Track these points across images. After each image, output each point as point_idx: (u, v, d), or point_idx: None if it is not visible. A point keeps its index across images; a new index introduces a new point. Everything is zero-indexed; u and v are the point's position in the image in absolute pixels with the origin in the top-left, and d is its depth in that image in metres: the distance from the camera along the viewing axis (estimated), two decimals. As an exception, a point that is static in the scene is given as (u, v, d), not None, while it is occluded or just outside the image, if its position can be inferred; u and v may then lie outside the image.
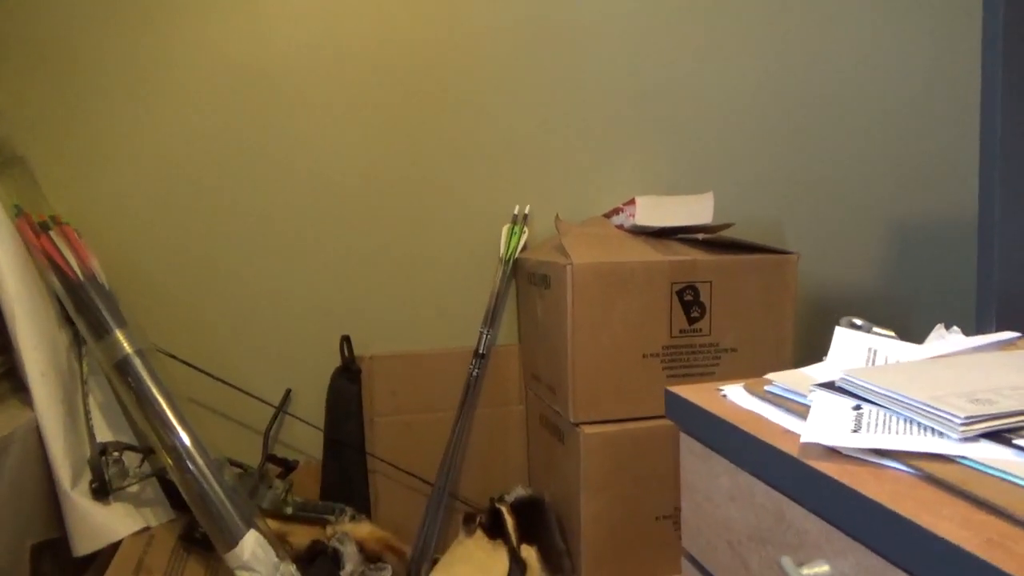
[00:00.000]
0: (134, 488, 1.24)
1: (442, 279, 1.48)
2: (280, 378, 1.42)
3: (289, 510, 1.30)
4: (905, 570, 0.45)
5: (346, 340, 1.42)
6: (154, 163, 1.35)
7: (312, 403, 1.43)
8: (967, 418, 0.49)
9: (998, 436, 0.49)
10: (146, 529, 1.23)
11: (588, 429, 1.18)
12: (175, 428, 1.17)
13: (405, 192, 1.45)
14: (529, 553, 1.23)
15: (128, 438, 1.28)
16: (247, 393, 1.38)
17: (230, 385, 1.37)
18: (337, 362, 1.42)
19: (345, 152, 1.41)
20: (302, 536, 1.27)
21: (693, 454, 0.70)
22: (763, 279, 1.26)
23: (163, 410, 1.18)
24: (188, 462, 1.16)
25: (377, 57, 1.41)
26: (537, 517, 1.29)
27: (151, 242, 1.36)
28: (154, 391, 1.19)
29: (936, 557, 0.41)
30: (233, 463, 1.32)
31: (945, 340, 0.72)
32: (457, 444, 1.42)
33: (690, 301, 1.24)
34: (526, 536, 1.26)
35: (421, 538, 1.35)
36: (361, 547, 1.26)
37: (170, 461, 1.16)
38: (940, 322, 0.80)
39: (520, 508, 1.30)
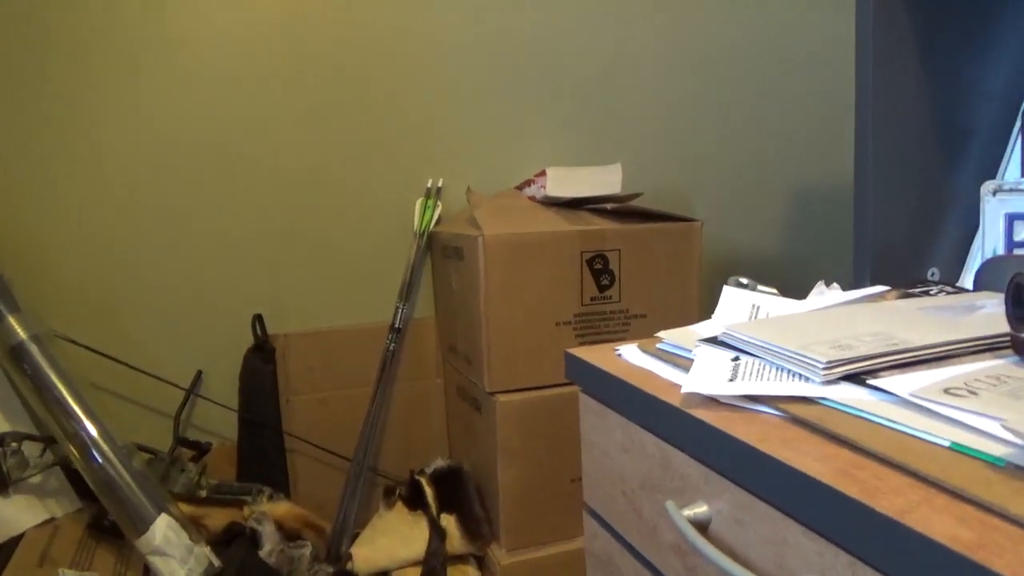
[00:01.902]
0: (36, 479, 1.20)
1: (356, 254, 1.47)
2: (190, 360, 1.39)
3: (203, 493, 1.27)
4: (770, 503, 0.48)
5: (258, 319, 1.39)
6: (49, 141, 1.28)
7: (225, 384, 1.40)
8: (828, 363, 0.52)
9: (856, 378, 0.53)
10: (50, 520, 1.19)
11: (503, 398, 1.20)
12: (77, 415, 1.13)
13: (316, 168, 1.42)
14: (449, 522, 1.25)
15: (27, 427, 1.23)
16: (155, 376, 1.34)
17: (136, 369, 1.33)
18: (250, 341, 1.40)
19: (254, 127, 1.38)
20: (219, 519, 1.25)
21: (591, 412, 0.72)
22: (670, 246, 1.30)
23: (63, 397, 1.14)
24: (93, 450, 1.12)
25: (284, 31, 1.37)
26: (457, 487, 1.30)
27: (46, 223, 1.29)
28: (52, 377, 1.15)
29: (794, 488, 0.44)
30: (142, 448, 1.28)
31: (823, 295, 0.76)
32: (375, 419, 1.42)
33: (600, 269, 1.27)
34: (446, 506, 1.28)
35: (341, 514, 1.35)
36: (280, 526, 1.25)
37: (73, 450, 1.12)
38: (833, 280, 0.84)
39: (440, 479, 1.31)
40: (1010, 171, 0.82)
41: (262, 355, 1.40)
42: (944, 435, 0.44)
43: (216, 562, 1.13)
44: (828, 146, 1.77)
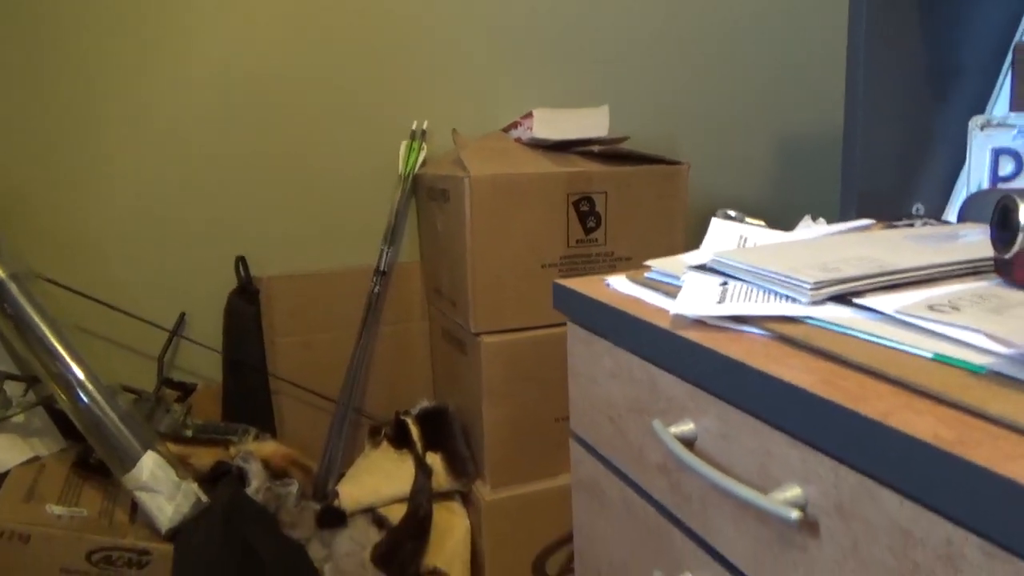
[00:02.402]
0: (19, 418, 1.20)
1: (341, 197, 1.46)
2: (173, 301, 1.38)
3: (189, 433, 1.28)
4: (755, 415, 0.49)
5: (242, 261, 1.38)
6: (31, 83, 1.24)
7: (209, 326, 1.40)
8: (816, 283, 0.53)
9: (842, 298, 0.54)
10: (35, 459, 1.19)
11: (488, 339, 1.21)
12: (61, 356, 1.12)
13: (300, 110, 1.40)
14: (434, 460, 1.26)
15: (9, 368, 1.22)
16: (138, 318, 1.33)
17: (119, 311, 1.32)
18: (233, 283, 1.39)
19: (239, 65, 1.35)
20: (205, 458, 1.26)
21: (579, 340, 0.73)
22: (656, 189, 1.30)
23: (46, 336, 1.13)
24: (78, 390, 1.11)
25: (260, -39, 1.33)
26: (442, 427, 1.32)
27: (26, 164, 1.26)
28: (35, 317, 1.13)
29: (779, 399, 0.45)
30: (127, 389, 1.28)
31: (810, 228, 0.77)
32: (360, 361, 1.42)
33: (586, 212, 1.27)
34: (431, 445, 1.29)
35: (327, 453, 1.37)
36: (266, 465, 1.26)
37: (58, 390, 1.11)
38: (820, 217, 0.85)
39: (425, 419, 1.33)
40: (999, 107, 0.82)
41: (246, 297, 1.39)
42: (927, 347, 0.45)
43: (204, 498, 1.14)
44: (814, 89, 1.76)
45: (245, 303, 1.38)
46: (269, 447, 1.29)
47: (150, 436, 1.15)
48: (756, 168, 1.76)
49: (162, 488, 1.12)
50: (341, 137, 1.43)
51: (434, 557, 1.19)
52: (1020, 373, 0.40)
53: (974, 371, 0.42)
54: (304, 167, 1.42)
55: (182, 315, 1.38)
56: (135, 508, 1.15)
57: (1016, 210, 0.51)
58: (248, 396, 1.39)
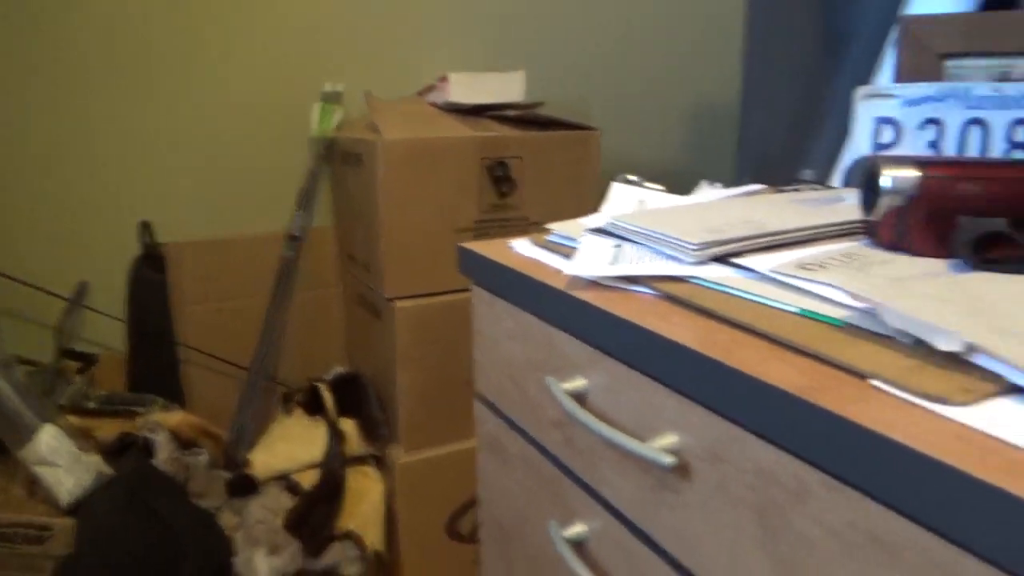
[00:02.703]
0: (-98, 391, 1.13)
1: (251, 160, 1.42)
2: (73, 269, 1.32)
3: (92, 404, 1.24)
4: (640, 371, 0.52)
5: (145, 226, 1.33)
6: None
7: (112, 294, 1.34)
8: (699, 244, 0.55)
9: (724, 259, 0.56)
10: (-79, 435, 1.13)
11: (401, 303, 1.21)
12: (-53, 325, 1.07)
13: (208, 67, 1.35)
14: (347, 425, 1.26)
15: None
16: (36, 287, 1.27)
17: (14, 279, 1.25)
18: (137, 250, 1.34)
19: (138, 23, 1.28)
20: (109, 430, 1.22)
21: (482, 302, 0.74)
22: (569, 154, 1.32)
23: (-71, 304, 1.06)
24: (-33, 361, 1.06)
25: (158, -91, 1.27)
26: (355, 392, 1.32)
27: None
28: (-85, 284, 1.07)
29: (661, 354, 0.47)
30: (23, 361, 1.23)
31: (706, 192, 0.80)
32: (273, 328, 1.40)
33: (500, 176, 1.27)
34: (345, 410, 1.29)
35: (238, 422, 1.35)
36: (175, 435, 1.23)
37: (-57, 359, 1.06)
38: (717, 182, 0.88)
39: (338, 385, 1.32)
40: (883, 78, 0.86)
41: (151, 264, 1.34)
42: (795, 303, 0.48)
43: (107, 470, 1.11)
44: (718, 58, 1.81)
45: (150, 270, 1.34)
46: (177, 417, 1.26)
47: (48, 408, 1.11)
48: (665, 134, 1.80)
49: (61, 461, 1.08)
50: (252, 98, 1.39)
51: (348, 521, 1.20)
52: (872, 325, 0.44)
53: (834, 324, 0.45)
54: (213, 128, 1.37)
55: (83, 283, 1.32)
56: (33, 483, 1.11)
57: (881, 174, 0.54)
58: (154, 366, 1.35)
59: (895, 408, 0.36)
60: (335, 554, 1.17)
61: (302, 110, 1.43)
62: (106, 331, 1.35)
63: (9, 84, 1.23)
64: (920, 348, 0.41)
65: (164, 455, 1.19)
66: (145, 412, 1.26)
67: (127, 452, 1.19)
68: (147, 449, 1.19)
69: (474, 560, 1.33)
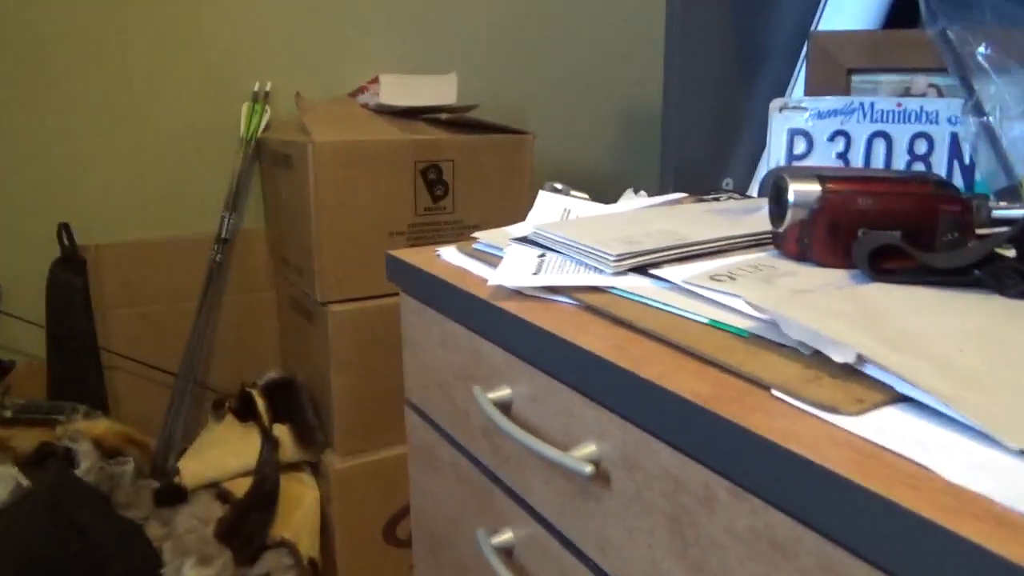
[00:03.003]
0: None
1: (176, 161, 1.38)
2: (-15, 273, 1.26)
3: (8, 414, 1.19)
4: (560, 380, 0.53)
5: (65, 228, 1.29)
6: None
7: (29, 298, 1.29)
8: (618, 255, 0.57)
9: (642, 269, 0.58)
10: None
11: (336, 307, 1.20)
12: None
13: (132, 64, 1.30)
14: (281, 431, 1.25)
15: None
16: (-58, 291, 1.22)
17: (-81, 283, 1.20)
18: (55, 252, 1.29)
19: (61, 16, 1.23)
20: (27, 440, 1.18)
21: (411, 311, 0.74)
22: (503, 158, 1.33)
23: None
24: None
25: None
26: (289, 398, 1.30)
27: None
28: None
29: (579, 364, 0.49)
30: (-67, 370, 1.17)
31: (630, 201, 0.82)
32: (202, 333, 1.37)
33: (434, 180, 1.28)
34: (279, 416, 1.28)
35: (167, 429, 1.32)
36: (99, 444, 1.19)
37: None
38: (642, 190, 0.90)
39: (272, 390, 1.30)
40: (797, 90, 0.90)
41: (71, 267, 1.30)
42: (705, 314, 0.50)
43: (25, 481, 1.07)
44: (644, 67, 1.85)
45: (70, 273, 1.29)
46: (101, 425, 1.22)
47: (-40, 420, 1.07)
48: (597, 139, 1.83)
49: (-25, 474, 1.04)
50: (178, 96, 1.36)
51: (282, 528, 1.18)
52: (774, 335, 0.46)
53: (739, 334, 0.47)
54: (137, 127, 1.34)
55: (-4, 287, 1.27)
56: (-56, 498, 1.06)
57: (786, 188, 0.57)
58: (76, 372, 1.31)
59: (793, 417, 0.38)
60: (268, 563, 1.16)
61: (230, 109, 1.40)
62: (25, 337, 1.30)
63: (-87, 80, 1.17)
64: (818, 359, 0.43)
65: (87, 465, 1.15)
66: (66, 421, 1.22)
67: (46, 463, 1.15)
68: (69, 459, 1.16)
69: (411, 565, 1.33)
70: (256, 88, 1.41)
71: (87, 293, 1.30)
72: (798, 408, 0.39)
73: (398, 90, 1.35)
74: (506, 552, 0.63)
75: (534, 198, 1.39)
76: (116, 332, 1.33)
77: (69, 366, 1.30)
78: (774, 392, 0.40)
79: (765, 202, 0.77)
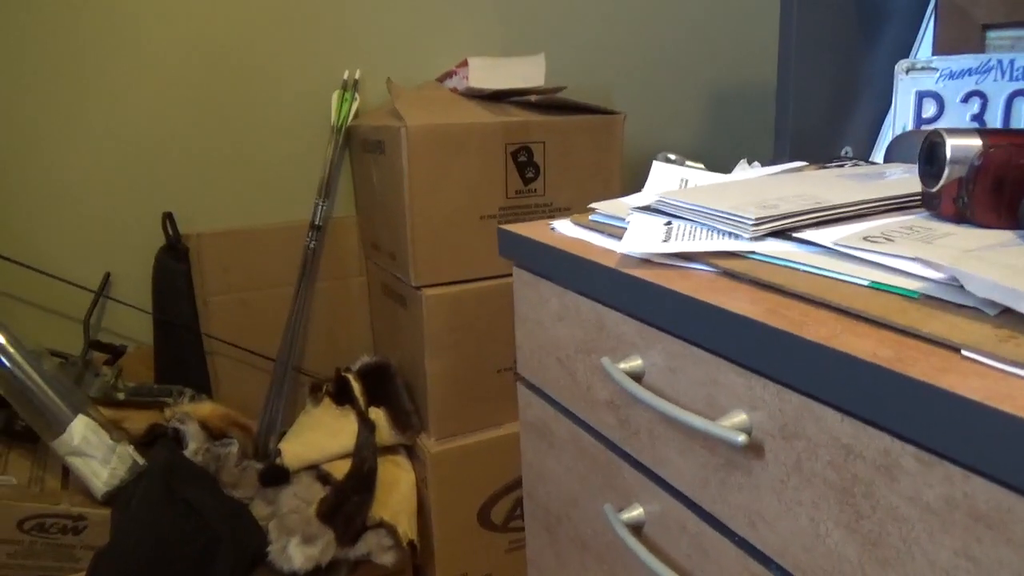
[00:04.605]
0: (-66, 386, 1.13)
1: (271, 150, 1.41)
2: (98, 261, 1.31)
3: (121, 396, 1.23)
4: (702, 347, 0.51)
5: (169, 217, 1.33)
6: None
7: (137, 286, 1.34)
8: (757, 219, 0.54)
9: (782, 233, 0.55)
10: (-45, 428, 1.13)
11: (429, 292, 1.20)
12: (-24, 319, 1.07)
13: (226, 59, 1.34)
14: (377, 415, 1.26)
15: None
16: (61, 279, 1.27)
17: (41, 272, 1.25)
18: (160, 241, 1.33)
19: (162, 17, 1.27)
20: (139, 421, 1.22)
21: (525, 284, 0.73)
22: (593, 139, 1.31)
23: (-42, 299, 1.06)
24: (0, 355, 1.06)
25: (175, -103, 1.25)
26: (384, 381, 1.31)
27: (-83, 112, 1.17)
28: (-56, 279, 1.07)
29: (726, 330, 0.47)
30: (53, 354, 1.23)
31: (746, 171, 0.79)
32: (298, 319, 1.39)
33: (524, 162, 1.26)
34: (374, 400, 1.29)
35: (267, 412, 1.34)
36: (204, 426, 1.23)
37: (-24, 354, 1.06)
38: (755, 161, 0.87)
39: (367, 374, 1.32)
40: (923, 51, 0.85)
41: (175, 255, 1.34)
42: (864, 276, 0.47)
43: (140, 460, 1.11)
44: (743, 38, 1.79)
45: (174, 261, 1.33)
46: (206, 408, 1.26)
47: (80, 400, 1.11)
48: (689, 117, 1.78)
49: (96, 452, 1.08)
50: (270, 88, 1.38)
51: (380, 510, 1.19)
52: (949, 296, 0.43)
53: (908, 296, 0.44)
54: (232, 119, 1.37)
55: (107, 275, 1.32)
56: (67, 474, 1.11)
57: (943, 144, 0.53)
58: (181, 357, 1.35)
59: (993, 378, 0.35)
60: (369, 543, 1.17)
61: (322, 98, 1.42)
62: (134, 323, 1.35)
63: (26, 80, 1.22)
64: (1007, 318, 0.40)
65: (195, 446, 1.19)
66: (174, 403, 1.26)
67: (158, 442, 1.19)
68: (177, 440, 1.19)
69: (507, 548, 1.33)
70: (345, 76, 1.43)
71: (190, 280, 1.34)
72: (997, 368, 0.36)
73: (486, 73, 1.34)
74: (635, 528, 0.61)
75: (625, 179, 1.37)
76: (217, 318, 1.37)
77: (174, 351, 1.35)
78: (964, 353, 0.37)
79: (897, 167, 0.73)
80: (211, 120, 1.35)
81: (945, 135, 0.53)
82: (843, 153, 0.88)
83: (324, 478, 1.21)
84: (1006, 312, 0.40)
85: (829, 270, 0.49)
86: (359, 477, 1.20)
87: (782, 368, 0.43)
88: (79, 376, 1.20)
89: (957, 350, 0.38)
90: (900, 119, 0.81)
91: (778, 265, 0.52)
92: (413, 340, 1.26)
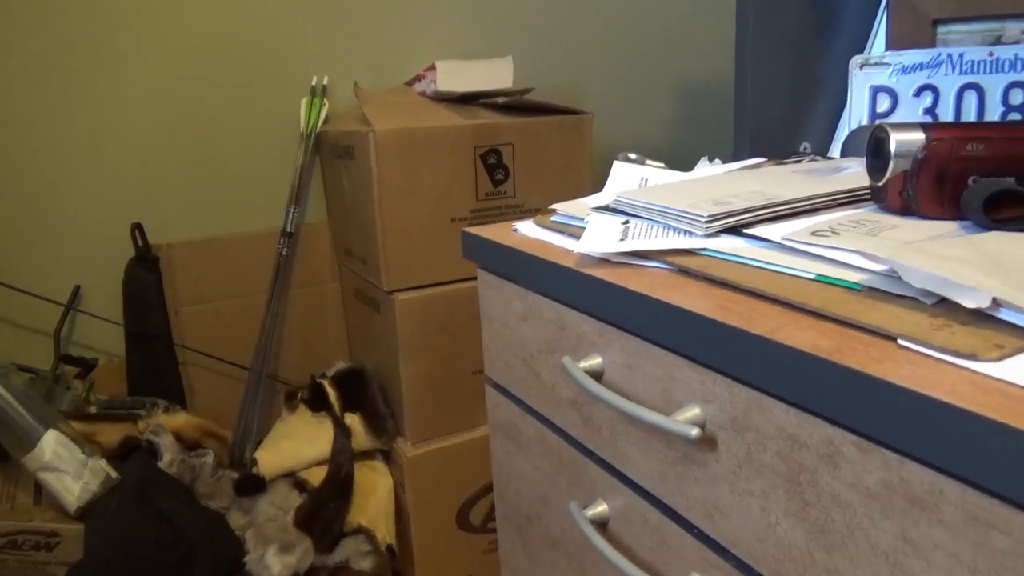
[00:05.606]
0: (-100, 405, 1.12)
1: (240, 158, 1.40)
2: (66, 274, 1.30)
3: (93, 409, 1.22)
4: (657, 344, 0.52)
5: (138, 228, 1.32)
6: None
7: (107, 298, 1.33)
8: (710, 216, 0.55)
9: (735, 230, 0.56)
10: (-77, 446, 1.12)
11: (402, 296, 1.20)
12: (-58, 336, 1.05)
13: (193, 67, 1.33)
14: (353, 420, 1.26)
15: None
16: (28, 293, 1.26)
17: (8, 286, 1.24)
18: (130, 253, 1.32)
19: (126, 25, 1.26)
20: (112, 435, 1.21)
21: (489, 286, 0.74)
22: (562, 139, 1.32)
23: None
24: (-36, 372, 1.05)
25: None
26: (359, 387, 1.31)
27: None
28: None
29: (680, 326, 0.47)
30: (22, 368, 1.21)
31: (706, 168, 0.80)
32: (272, 327, 1.39)
33: (494, 164, 1.27)
34: (349, 406, 1.29)
35: (242, 421, 1.34)
36: (179, 437, 1.22)
37: (-59, 371, 1.05)
38: (719, 160, 0.88)
39: (342, 380, 1.32)
40: (876, 46, 0.87)
41: (145, 266, 1.33)
42: (810, 270, 0.48)
43: (113, 474, 1.11)
44: (705, 36, 1.81)
45: (144, 272, 1.32)
46: (180, 419, 1.25)
47: (50, 415, 1.10)
48: (655, 115, 1.80)
49: (67, 467, 1.07)
50: (238, 95, 1.38)
51: (358, 516, 1.19)
52: (890, 287, 0.44)
53: (851, 288, 0.45)
54: (201, 128, 1.36)
55: (77, 288, 1.31)
56: (39, 490, 1.10)
57: (887, 139, 0.54)
58: (154, 368, 1.34)
59: (926, 366, 0.36)
60: (347, 549, 1.17)
61: (291, 105, 1.42)
62: (105, 335, 1.34)
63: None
64: (943, 307, 0.41)
65: (169, 457, 1.18)
66: (147, 415, 1.25)
67: (132, 455, 1.18)
68: (152, 452, 1.19)
69: (486, 550, 1.33)
70: (314, 82, 1.43)
71: (161, 291, 1.33)
72: (931, 357, 0.37)
73: (454, 76, 1.35)
74: (600, 524, 0.61)
75: (595, 179, 1.38)
76: (189, 328, 1.36)
77: (147, 362, 1.34)
78: (901, 342, 0.38)
79: (851, 161, 0.74)
80: (179, 129, 1.34)
81: (889, 130, 0.55)
82: (802, 149, 0.90)
83: (300, 485, 1.21)
84: (943, 302, 0.41)
85: (778, 264, 0.50)
86: (336, 483, 1.20)
87: (731, 362, 0.44)
88: (50, 391, 1.19)
89: (894, 339, 0.39)
90: (856, 114, 0.82)
91: (730, 261, 0.53)
92: (387, 344, 1.26)
